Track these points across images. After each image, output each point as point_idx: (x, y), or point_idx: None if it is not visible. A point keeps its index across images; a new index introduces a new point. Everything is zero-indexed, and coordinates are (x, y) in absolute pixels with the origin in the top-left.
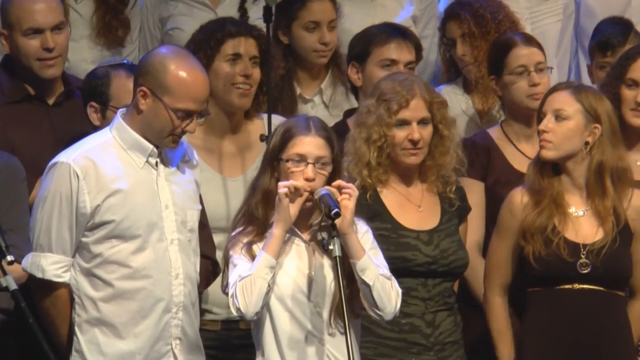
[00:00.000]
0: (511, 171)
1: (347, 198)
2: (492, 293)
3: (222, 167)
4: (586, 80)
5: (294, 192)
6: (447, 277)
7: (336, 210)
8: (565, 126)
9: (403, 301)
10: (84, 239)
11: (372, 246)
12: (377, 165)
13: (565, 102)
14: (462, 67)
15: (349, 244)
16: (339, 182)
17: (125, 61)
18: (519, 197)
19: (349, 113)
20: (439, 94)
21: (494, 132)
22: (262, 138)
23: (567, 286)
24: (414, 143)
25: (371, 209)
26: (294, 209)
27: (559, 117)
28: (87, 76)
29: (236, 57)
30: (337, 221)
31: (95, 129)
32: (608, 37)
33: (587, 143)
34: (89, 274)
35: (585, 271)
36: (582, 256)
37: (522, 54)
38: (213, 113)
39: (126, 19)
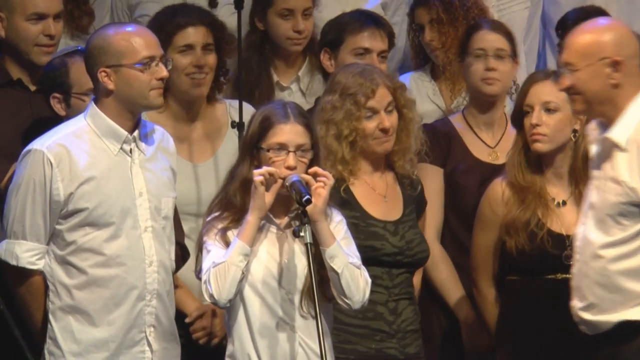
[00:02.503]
0: (471, 159)
1: (322, 186)
2: (486, 286)
3: (190, 153)
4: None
5: (269, 179)
6: (409, 268)
7: (307, 197)
8: (557, 117)
9: None
10: (57, 227)
11: (345, 235)
12: (351, 160)
13: (552, 92)
14: (429, 53)
15: (319, 231)
16: (315, 169)
17: (79, 47)
18: (499, 190)
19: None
20: (397, 79)
21: (455, 120)
22: (234, 125)
23: (550, 276)
24: (385, 131)
25: (341, 198)
26: (269, 196)
27: (549, 109)
28: (43, 70)
29: (187, 47)
30: (308, 208)
31: (63, 119)
32: (563, 18)
33: (575, 131)
34: (63, 262)
35: (571, 262)
36: (568, 247)
37: (484, 38)
38: (174, 103)
39: (90, 9)
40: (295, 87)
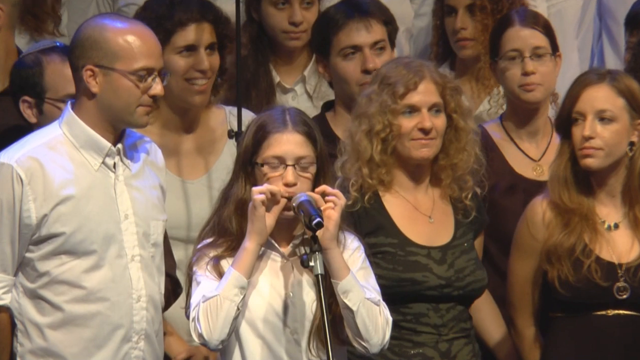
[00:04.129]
0: (512, 175)
1: (331, 207)
2: (525, 324)
3: (181, 167)
4: (610, 67)
5: (271, 199)
6: (461, 301)
7: (318, 219)
8: (613, 129)
9: (412, 329)
10: (28, 255)
11: (363, 266)
12: (381, 163)
13: (608, 99)
14: (454, 43)
15: (330, 261)
16: (323, 187)
17: (57, 44)
18: (539, 212)
19: (328, 106)
20: (452, 79)
21: (492, 129)
22: (231, 134)
23: (599, 312)
24: (425, 132)
25: (374, 221)
26: (270, 218)
27: (604, 118)
28: (14, 67)
29: (190, 48)
30: (319, 233)
31: (33, 127)
32: (636, 13)
33: (632, 143)
34: (34, 296)
35: (624, 296)
36: (620, 278)
37: (517, 36)
38: (165, 111)
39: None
40: (301, 89)
